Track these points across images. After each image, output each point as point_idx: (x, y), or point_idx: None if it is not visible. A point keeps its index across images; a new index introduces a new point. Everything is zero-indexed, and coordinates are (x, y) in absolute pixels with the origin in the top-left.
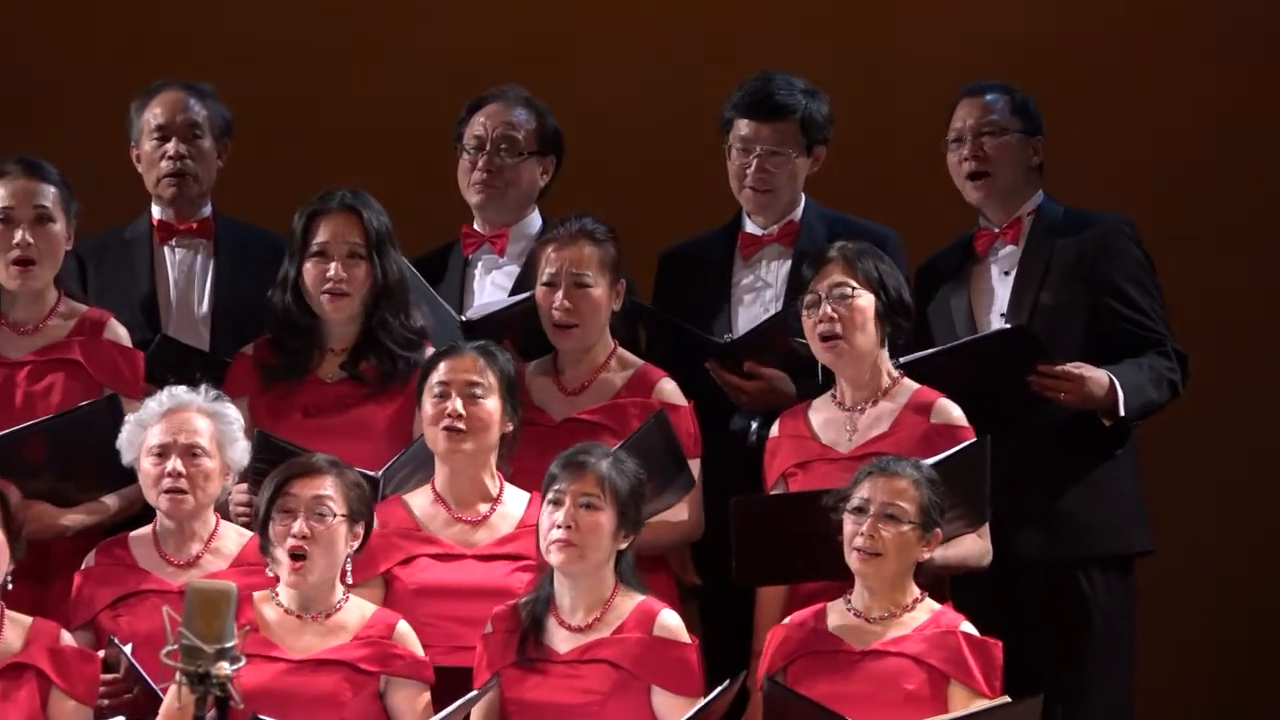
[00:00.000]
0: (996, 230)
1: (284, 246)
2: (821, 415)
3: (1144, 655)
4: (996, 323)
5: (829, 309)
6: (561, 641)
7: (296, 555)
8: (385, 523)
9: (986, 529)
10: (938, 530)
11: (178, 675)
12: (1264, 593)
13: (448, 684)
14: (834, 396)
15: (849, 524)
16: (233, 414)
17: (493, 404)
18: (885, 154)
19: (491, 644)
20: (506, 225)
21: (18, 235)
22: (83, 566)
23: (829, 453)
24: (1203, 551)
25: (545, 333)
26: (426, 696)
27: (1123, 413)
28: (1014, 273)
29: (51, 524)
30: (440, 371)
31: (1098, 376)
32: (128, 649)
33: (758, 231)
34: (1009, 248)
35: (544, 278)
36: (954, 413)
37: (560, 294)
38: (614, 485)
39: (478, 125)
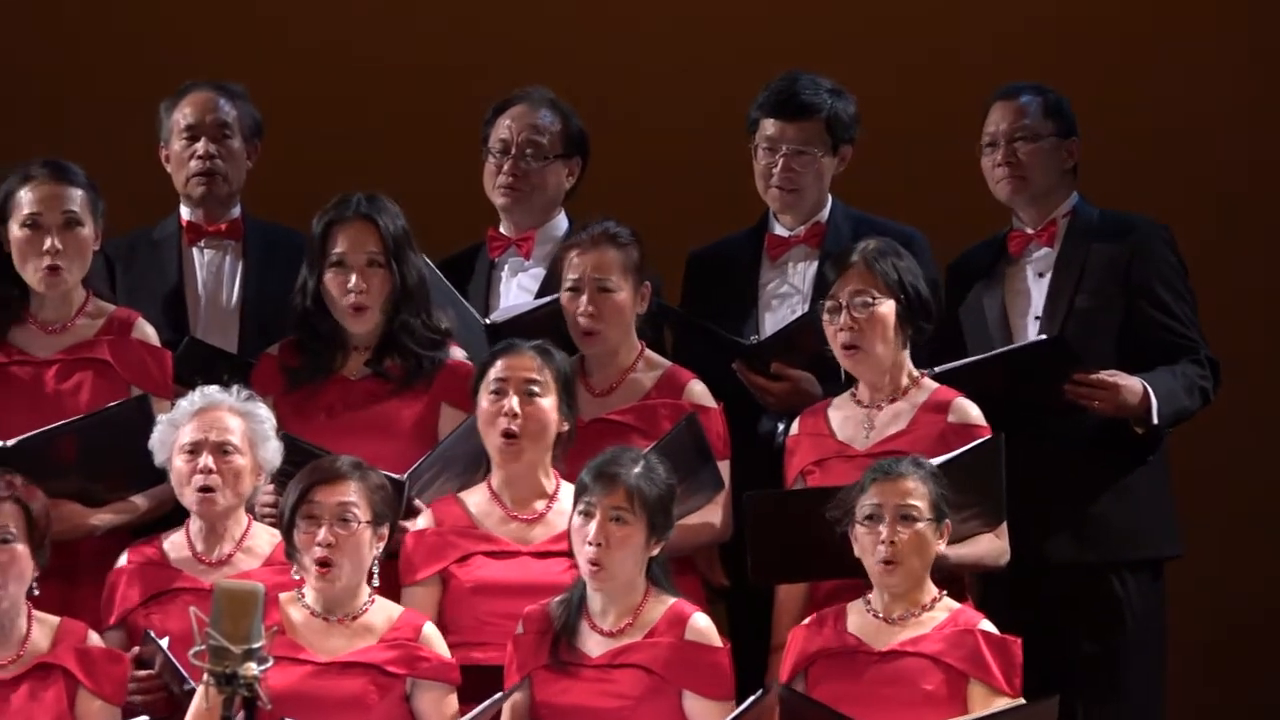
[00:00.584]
0: (1030, 232)
1: None
2: (840, 413)
3: (1172, 659)
4: (1031, 325)
5: (849, 317)
6: (593, 645)
7: (323, 563)
8: (442, 521)
9: (1004, 529)
10: (947, 521)
11: (205, 675)
12: None
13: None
14: (853, 394)
15: (864, 534)
16: (264, 413)
17: (549, 403)
18: (915, 154)
19: (523, 645)
20: (532, 228)
21: (47, 241)
22: (116, 566)
23: (846, 450)
24: (1231, 556)
25: (571, 336)
26: (453, 699)
27: (1156, 421)
28: (1049, 275)
29: (80, 524)
30: (497, 369)
31: (1131, 385)
32: (164, 643)
33: (784, 233)
34: (1044, 250)
35: (567, 283)
36: (972, 412)
37: (584, 299)
38: (644, 496)
39: (503, 128)
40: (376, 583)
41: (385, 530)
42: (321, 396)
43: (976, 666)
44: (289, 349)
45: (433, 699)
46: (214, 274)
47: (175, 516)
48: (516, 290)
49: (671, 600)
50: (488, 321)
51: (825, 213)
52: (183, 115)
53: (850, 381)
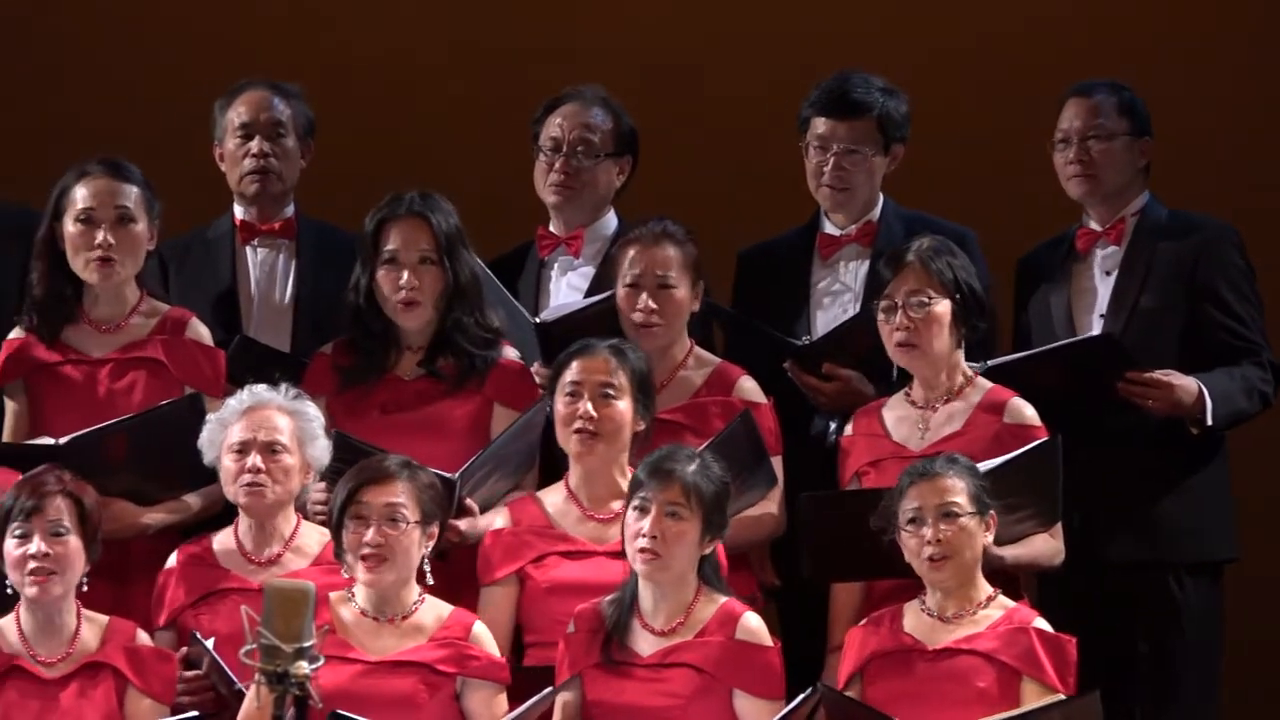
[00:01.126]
0: (1098, 230)
1: None
2: (895, 413)
3: (1228, 661)
4: (1095, 323)
5: (905, 317)
6: (644, 644)
7: (370, 563)
8: (519, 520)
9: (1059, 529)
10: (991, 513)
11: (256, 674)
12: None
13: None
14: (907, 394)
15: (909, 538)
16: (313, 412)
17: (624, 404)
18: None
19: (574, 644)
20: (582, 226)
21: (99, 235)
22: (165, 566)
23: (901, 450)
24: None
25: (624, 333)
26: (503, 698)
27: (1210, 422)
28: (1115, 273)
29: (132, 522)
30: (573, 371)
31: (1186, 384)
32: (209, 643)
33: (836, 232)
34: (1111, 248)
35: (627, 279)
36: (1027, 412)
37: (644, 295)
38: (700, 493)
39: (554, 126)
40: (430, 580)
41: (435, 529)
42: (374, 396)
43: (1030, 664)
44: (342, 348)
45: (483, 698)
46: (267, 273)
47: (227, 516)
48: (566, 289)
49: (723, 599)
50: (537, 320)
51: (877, 211)
52: (237, 114)
53: (903, 381)
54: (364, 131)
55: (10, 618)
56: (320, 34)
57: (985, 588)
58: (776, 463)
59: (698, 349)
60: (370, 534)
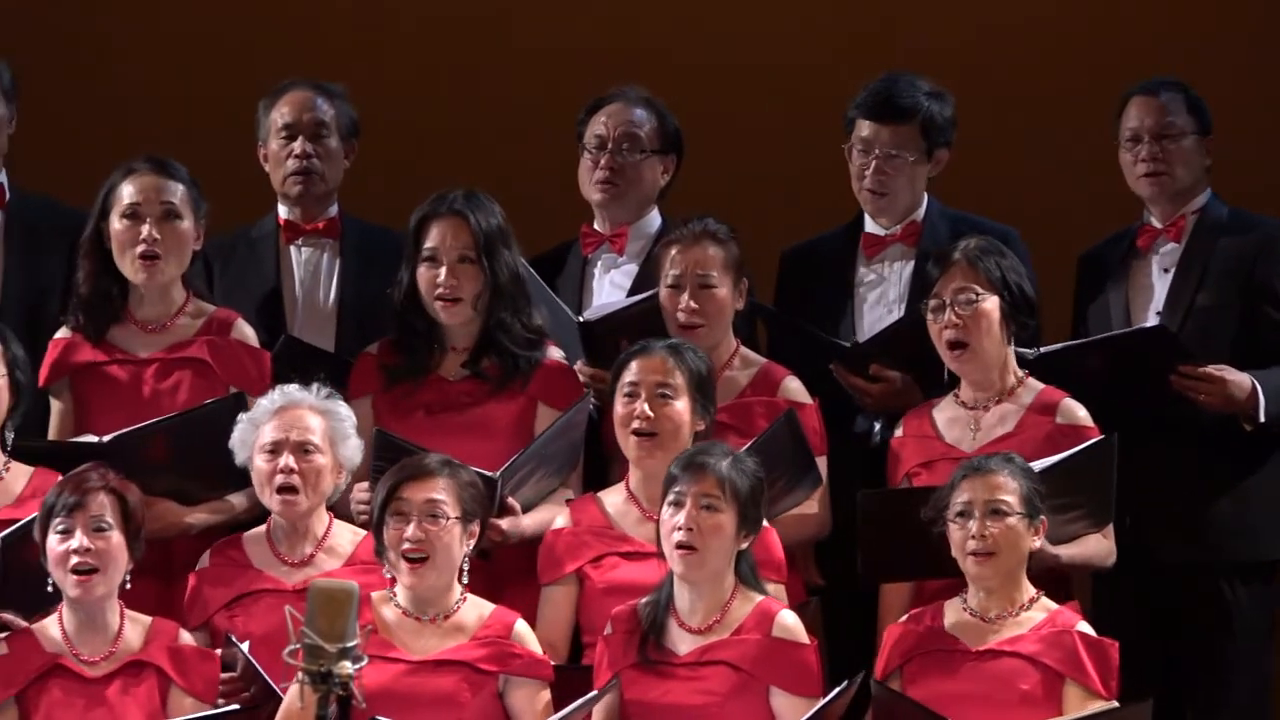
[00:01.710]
0: (1159, 227)
1: None
2: (946, 414)
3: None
4: (1152, 320)
5: (954, 315)
6: (681, 643)
7: (412, 559)
8: (579, 520)
9: (1110, 529)
10: (1042, 518)
11: (300, 674)
12: None
13: None
14: (956, 395)
15: (956, 531)
16: (344, 411)
17: (682, 405)
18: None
19: (612, 645)
20: (626, 224)
21: (144, 230)
22: (197, 567)
23: (953, 451)
24: None
25: (668, 333)
26: (546, 695)
27: (1263, 418)
28: (1173, 271)
29: (176, 522)
30: (631, 372)
31: (1240, 380)
32: (245, 647)
33: (880, 231)
34: (1170, 245)
35: (668, 279)
36: (1079, 413)
37: (686, 295)
38: (735, 486)
39: (599, 125)
40: (466, 579)
41: (476, 528)
42: (419, 396)
43: (1073, 668)
44: (388, 347)
45: (525, 695)
46: (311, 272)
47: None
48: (609, 287)
49: (759, 598)
50: (581, 319)
51: (921, 211)
52: (280, 114)
53: (952, 383)
54: (412, 130)
55: (53, 617)
56: (371, 33)
57: (1029, 589)
58: (822, 464)
59: (744, 349)
60: (411, 530)
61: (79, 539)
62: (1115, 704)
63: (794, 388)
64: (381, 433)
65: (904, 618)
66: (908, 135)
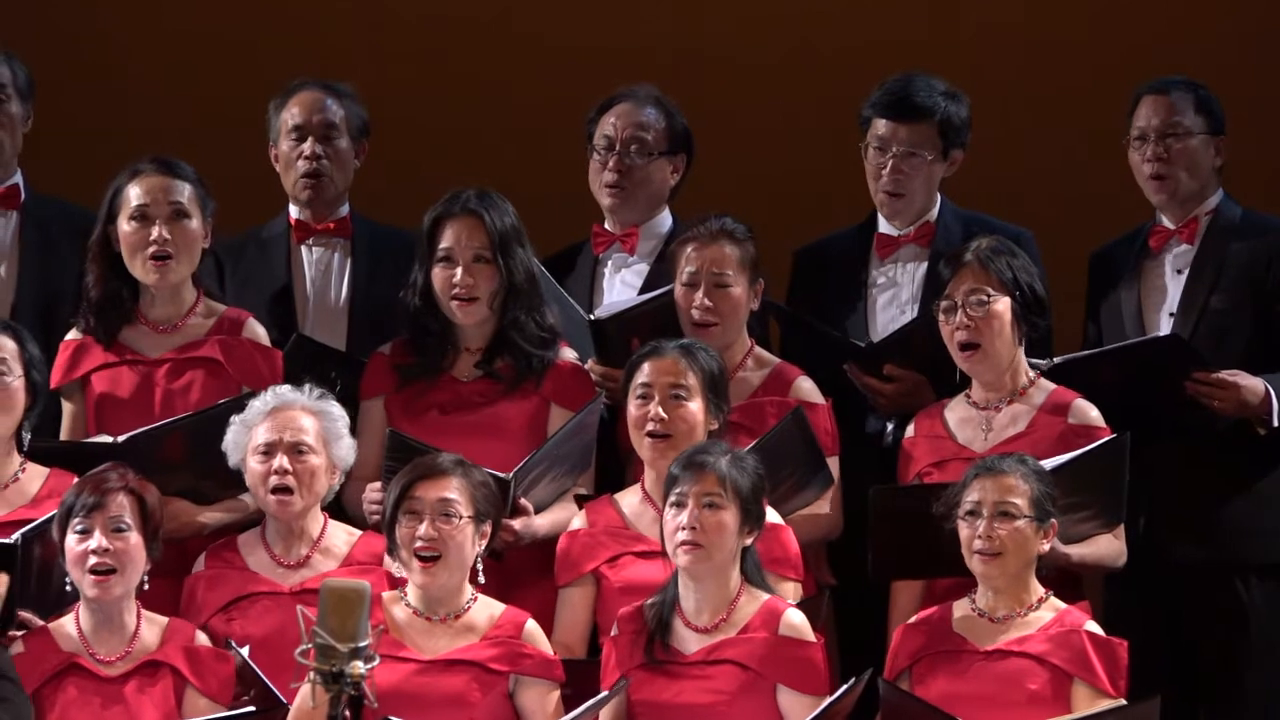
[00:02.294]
0: (1171, 227)
1: None
2: (957, 414)
3: None
4: (1165, 321)
5: (965, 315)
6: (688, 642)
7: (424, 558)
8: (594, 522)
9: (1121, 530)
10: (1053, 521)
11: (311, 674)
12: None
13: None
14: (968, 396)
15: (964, 529)
16: (337, 411)
17: (696, 405)
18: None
19: (619, 645)
20: (637, 224)
21: (154, 231)
22: (193, 571)
23: (964, 452)
24: None
25: (681, 331)
26: (556, 695)
27: (1276, 423)
28: (1186, 272)
29: (190, 522)
30: (643, 373)
31: (1253, 385)
32: (245, 651)
33: (893, 232)
34: (1183, 246)
35: (684, 277)
36: (1091, 413)
37: (700, 293)
38: (735, 483)
39: (608, 125)
40: (482, 580)
41: (488, 528)
42: (432, 396)
43: (1081, 667)
44: (401, 348)
45: (536, 695)
46: (322, 272)
47: None
48: (620, 286)
49: (765, 596)
50: (592, 318)
51: (934, 212)
52: (290, 115)
53: (964, 383)
54: (421, 130)
55: (70, 616)
56: (377, 33)
57: (1037, 589)
58: (834, 464)
59: (758, 349)
60: (423, 528)
61: (98, 539)
62: (1123, 701)
63: (806, 388)
64: (394, 433)
65: (912, 619)
66: (925, 134)
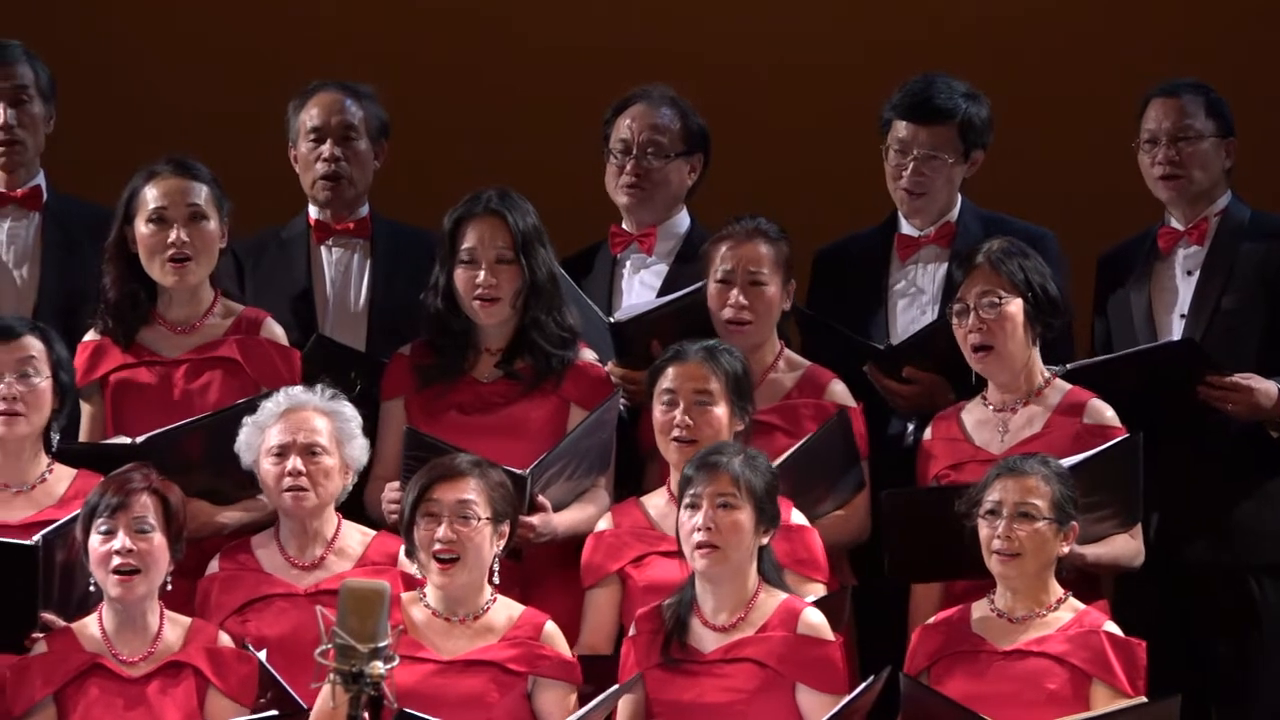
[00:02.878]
0: (1181, 229)
1: None
2: (974, 417)
3: None
4: (1176, 323)
5: (977, 318)
6: (706, 641)
7: (443, 560)
8: (620, 523)
9: (1139, 530)
10: (1074, 524)
11: (331, 675)
12: None
13: None
14: (984, 398)
15: (984, 528)
16: (350, 412)
17: (720, 410)
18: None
19: (637, 645)
20: (655, 224)
21: (173, 234)
22: (206, 573)
23: (981, 454)
24: None
25: (701, 332)
26: (574, 697)
27: None
28: (1197, 273)
29: (209, 522)
30: (667, 378)
31: (1266, 388)
32: (262, 655)
33: (914, 233)
34: (1193, 248)
35: (718, 274)
36: (1106, 413)
37: (735, 291)
38: (749, 482)
39: (623, 128)
40: (497, 580)
41: (506, 528)
42: (452, 397)
43: (1100, 668)
44: (421, 348)
45: (554, 697)
46: (342, 273)
47: None
48: (639, 286)
49: (783, 595)
50: (611, 320)
51: (955, 213)
52: (309, 116)
53: (981, 385)
54: (442, 132)
55: (93, 617)
56: (396, 34)
57: (1056, 590)
58: (864, 467)
59: (788, 351)
60: (442, 530)
61: (121, 540)
62: (1144, 699)
63: (839, 390)
64: (411, 430)
65: (931, 620)
66: (945, 136)
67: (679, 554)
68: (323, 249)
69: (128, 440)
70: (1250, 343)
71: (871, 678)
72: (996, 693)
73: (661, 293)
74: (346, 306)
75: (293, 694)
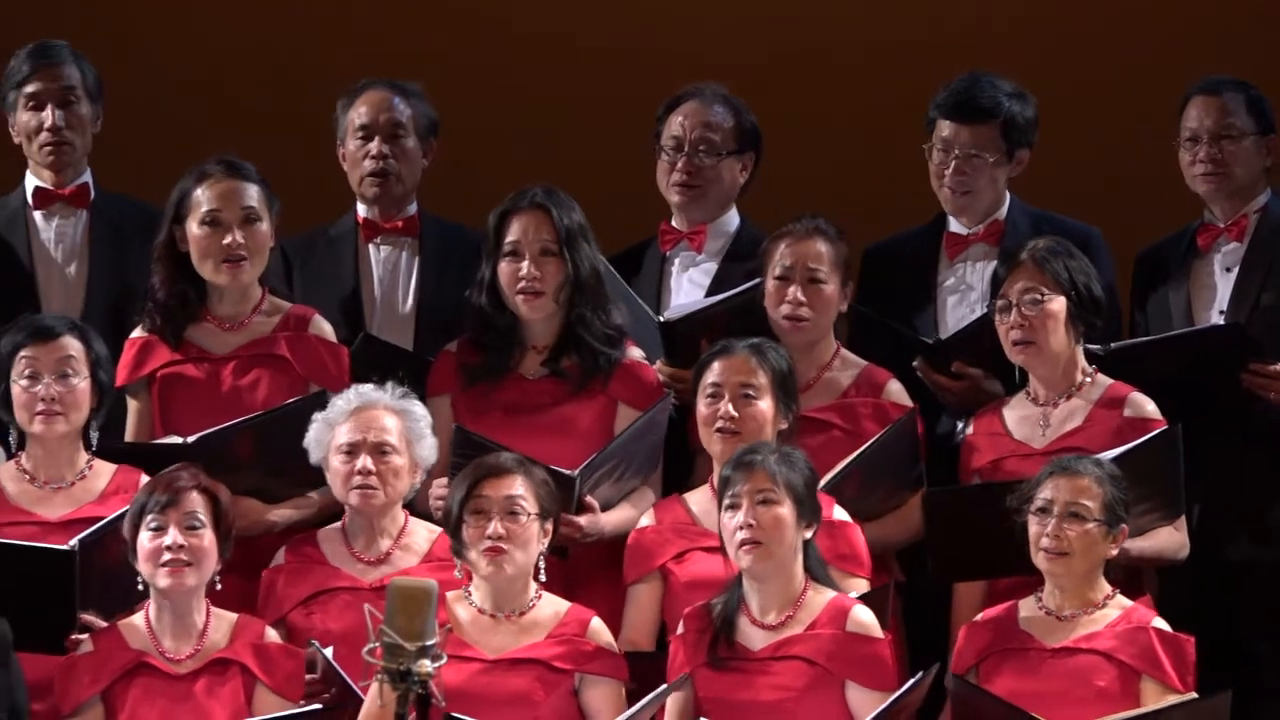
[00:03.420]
0: (1220, 226)
1: None
2: (1016, 412)
3: None
4: (1215, 320)
5: (1019, 315)
6: (755, 639)
7: (493, 554)
8: (661, 519)
9: (1183, 521)
10: (1124, 526)
11: (379, 673)
12: None
13: None
14: (1028, 393)
15: (1033, 525)
16: (420, 411)
17: (765, 404)
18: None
19: (686, 644)
20: (705, 222)
21: (227, 237)
22: (271, 564)
23: (1023, 449)
24: None
25: (752, 331)
26: (621, 693)
27: None
28: (1236, 270)
29: (259, 520)
30: (713, 372)
31: None
32: (328, 651)
33: (963, 231)
34: (1233, 244)
35: (776, 271)
36: (1148, 406)
37: (794, 288)
38: (786, 478)
39: (675, 125)
40: (544, 577)
41: (550, 525)
42: (498, 395)
43: (1150, 664)
44: (467, 346)
45: (601, 694)
46: (390, 271)
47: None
48: (688, 284)
49: (831, 593)
50: (661, 319)
51: (1004, 210)
52: (357, 114)
53: (1023, 381)
54: (489, 131)
55: (139, 615)
56: (445, 32)
57: (1104, 587)
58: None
59: (844, 350)
60: (492, 527)
61: (172, 535)
62: (1194, 695)
63: (896, 390)
64: (461, 430)
65: (979, 616)
66: (988, 135)
67: (720, 550)
68: (371, 247)
69: (179, 440)
70: None
71: (920, 674)
72: (1046, 690)
73: (710, 291)
74: (394, 305)
75: (355, 688)
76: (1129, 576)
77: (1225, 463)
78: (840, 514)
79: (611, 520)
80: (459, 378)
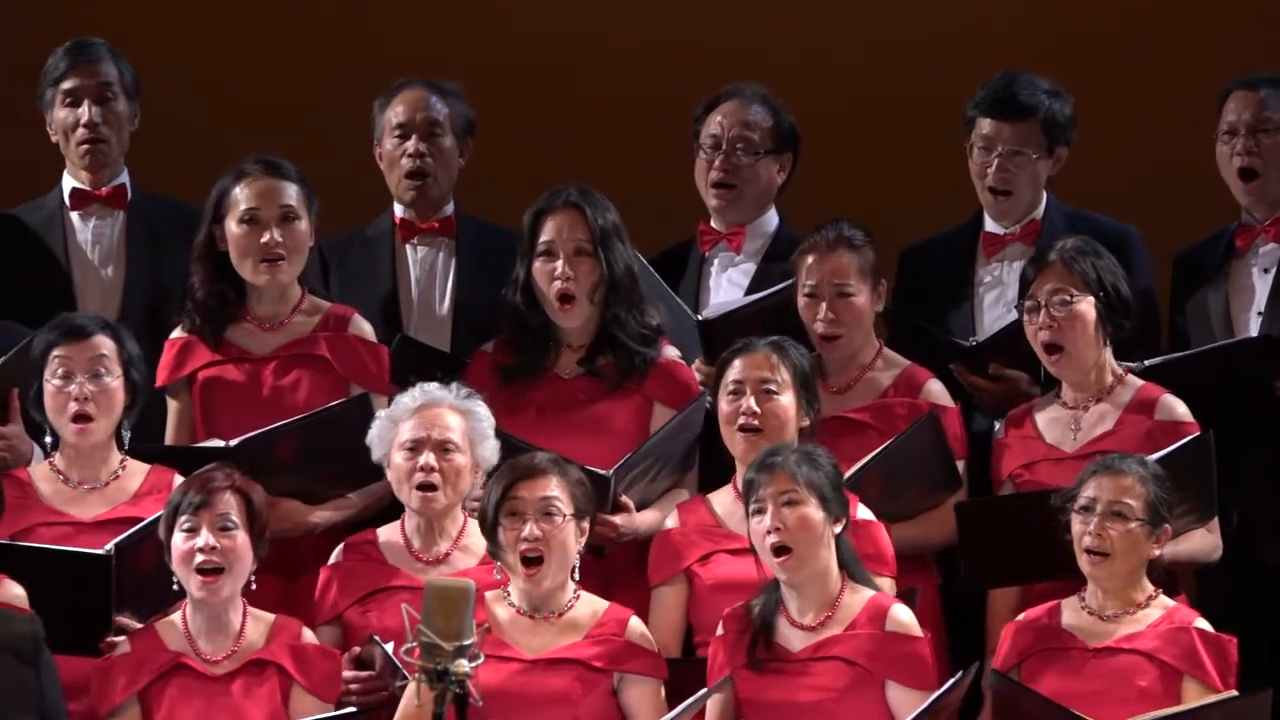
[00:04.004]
0: (1259, 226)
1: None
2: (1046, 415)
3: None
4: (1253, 320)
5: (1048, 316)
6: (794, 640)
7: (530, 559)
8: (686, 521)
9: (1216, 524)
10: (1167, 527)
11: (416, 673)
12: None
13: None
14: (1058, 395)
15: (1076, 524)
16: (483, 412)
17: (787, 400)
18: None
19: (725, 645)
20: (743, 223)
21: (266, 236)
22: (330, 561)
23: (1054, 452)
24: None
25: (789, 330)
26: (661, 692)
27: None
28: (1274, 271)
29: (301, 521)
30: (735, 370)
31: None
32: (389, 647)
33: (1000, 230)
34: (1270, 245)
35: (805, 289)
36: (1179, 409)
37: (824, 306)
38: (808, 477)
39: (714, 124)
40: (578, 577)
41: (586, 525)
42: (534, 394)
43: (1191, 664)
44: (503, 346)
45: (640, 694)
46: (427, 271)
47: (390, 513)
48: (727, 285)
49: (870, 593)
50: (700, 318)
51: (1040, 210)
52: (394, 113)
53: (1053, 384)
54: (529, 131)
55: (176, 615)
56: (484, 32)
57: (1147, 587)
58: (961, 467)
59: (887, 350)
60: (528, 529)
61: (205, 537)
62: (1235, 694)
63: (936, 390)
64: (500, 432)
65: (1021, 616)
66: (1029, 133)
67: (746, 551)
68: (408, 248)
69: (221, 443)
70: None
71: (960, 673)
72: (1088, 690)
73: (749, 292)
74: (431, 306)
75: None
76: (1165, 579)
77: (1263, 469)
78: (864, 513)
79: (647, 520)
80: (495, 378)
